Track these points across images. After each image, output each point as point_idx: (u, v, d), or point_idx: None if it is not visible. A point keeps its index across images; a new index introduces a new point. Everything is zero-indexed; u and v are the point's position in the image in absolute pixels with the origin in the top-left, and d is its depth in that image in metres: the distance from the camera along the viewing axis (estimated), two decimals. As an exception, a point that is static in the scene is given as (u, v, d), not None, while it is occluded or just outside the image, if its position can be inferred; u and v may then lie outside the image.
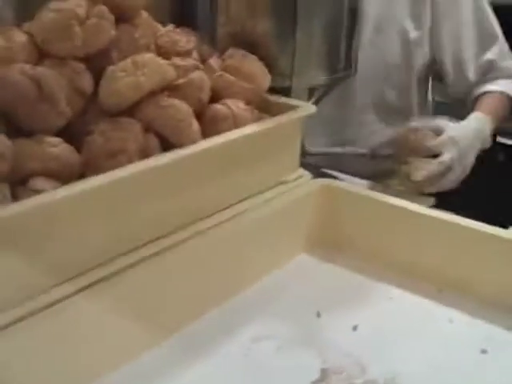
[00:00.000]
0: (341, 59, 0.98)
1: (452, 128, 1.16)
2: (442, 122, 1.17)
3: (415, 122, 1.20)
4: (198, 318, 0.75)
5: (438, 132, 1.16)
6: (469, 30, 1.33)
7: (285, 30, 0.94)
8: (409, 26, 1.33)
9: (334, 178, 1.04)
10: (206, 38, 0.99)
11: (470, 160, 1.18)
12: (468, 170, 1.18)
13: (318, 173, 1.00)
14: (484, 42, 1.35)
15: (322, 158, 1.14)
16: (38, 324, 0.61)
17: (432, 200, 1.13)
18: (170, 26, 0.94)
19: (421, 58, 1.36)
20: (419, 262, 0.84)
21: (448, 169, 1.13)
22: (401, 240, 0.86)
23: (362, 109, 1.36)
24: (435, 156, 1.13)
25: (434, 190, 1.15)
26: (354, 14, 0.98)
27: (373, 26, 1.30)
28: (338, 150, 1.24)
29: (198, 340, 0.72)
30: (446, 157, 1.13)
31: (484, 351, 0.72)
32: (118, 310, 0.67)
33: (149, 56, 0.77)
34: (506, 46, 1.38)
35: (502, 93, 1.33)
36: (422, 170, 1.10)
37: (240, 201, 0.83)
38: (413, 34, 1.33)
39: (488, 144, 1.24)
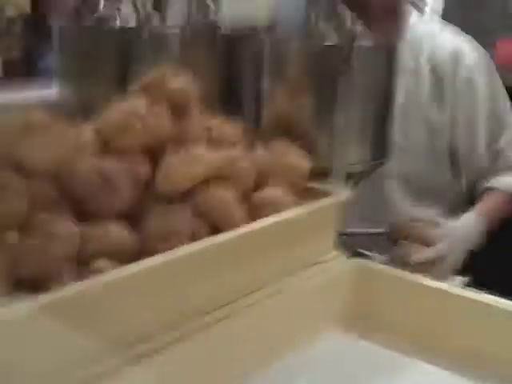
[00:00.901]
0: (378, 146, 1.06)
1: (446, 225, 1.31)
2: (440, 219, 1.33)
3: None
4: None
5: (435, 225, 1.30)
6: (483, 119, 1.41)
7: (325, 118, 1.03)
8: (433, 111, 1.41)
9: (368, 257, 1.11)
10: (251, 125, 1.09)
11: (457, 255, 1.30)
12: (458, 264, 1.31)
13: (353, 252, 1.07)
14: (495, 131, 1.42)
15: (357, 238, 1.22)
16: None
17: (465, 279, 1.19)
18: (218, 117, 1.04)
19: (444, 141, 1.44)
20: (451, 341, 0.88)
21: (441, 258, 1.25)
22: (433, 320, 0.91)
23: (389, 190, 1.44)
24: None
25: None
26: (389, 104, 1.06)
27: (400, 112, 1.38)
28: (368, 230, 1.32)
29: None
30: (441, 246, 1.26)
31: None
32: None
33: (202, 149, 0.87)
34: None
35: (504, 191, 1.42)
36: (421, 253, 1.21)
37: (278, 280, 0.91)
38: (436, 119, 1.41)
39: (477, 241, 1.35)
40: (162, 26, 1.29)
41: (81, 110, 1.50)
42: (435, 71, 1.42)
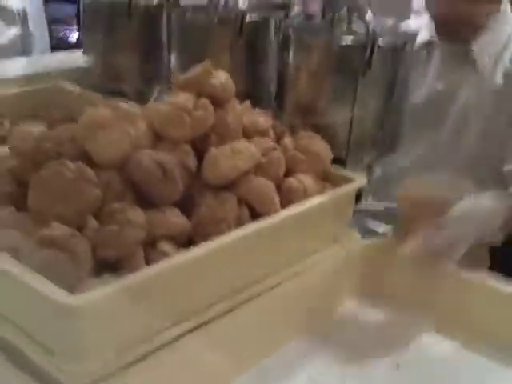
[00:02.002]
0: (390, 138, 1.18)
1: (461, 206, 1.09)
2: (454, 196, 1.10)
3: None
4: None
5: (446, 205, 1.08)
6: None
7: (344, 111, 1.14)
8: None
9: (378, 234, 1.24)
10: (277, 115, 1.20)
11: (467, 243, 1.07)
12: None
13: (364, 229, 1.20)
14: None
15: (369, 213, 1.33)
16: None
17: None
18: (247, 103, 1.15)
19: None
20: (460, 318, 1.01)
21: (452, 247, 1.05)
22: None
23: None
24: None
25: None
26: (402, 99, 1.18)
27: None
28: (379, 205, 1.41)
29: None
30: (451, 232, 1.06)
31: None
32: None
33: (244, 144, 0.98)
34: None
35: None
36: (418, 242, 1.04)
37: (305, 257, 1.03)
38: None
39: (495, 233, 1.13)
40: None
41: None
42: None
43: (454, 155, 1.44)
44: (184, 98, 0.99)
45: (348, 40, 1.12)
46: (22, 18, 2.40)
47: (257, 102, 1.16)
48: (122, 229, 0.82)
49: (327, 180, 1.10)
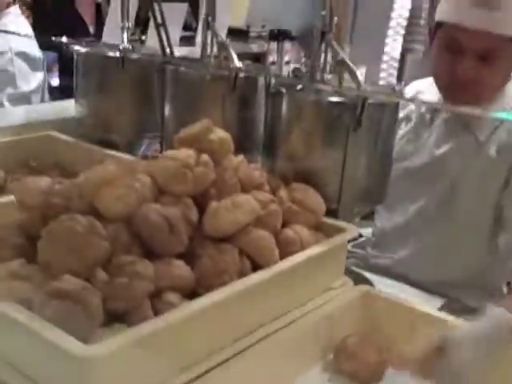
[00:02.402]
0: (379, 190, 1.24)
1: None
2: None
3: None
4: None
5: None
6: None
7: (335, 165, 1.20)
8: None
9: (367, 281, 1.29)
10: (268, 167, 1.25)
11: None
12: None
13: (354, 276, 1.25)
14: None
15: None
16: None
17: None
18: (240, 157, 1.20)
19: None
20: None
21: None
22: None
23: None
24: None
25: None
26: (390, 153, 1.25)
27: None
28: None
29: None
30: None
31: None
32: None
33: (244, 197, 1.03)
34: None
35: None
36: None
37: (302, 305, 1.08)
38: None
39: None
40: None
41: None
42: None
43: (451, 210, 1.51)
44: (186, 155, 1.04)
45: (338, 98, 1.19)
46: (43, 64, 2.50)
47: (246, 154, 1.21)
48: (132, 281, 0.86)
49: (320, 230, 1.15)
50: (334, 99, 1.19)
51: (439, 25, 1.48)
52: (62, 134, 1.80)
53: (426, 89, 1.59)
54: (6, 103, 2.36)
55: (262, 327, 1.00)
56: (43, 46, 2.78)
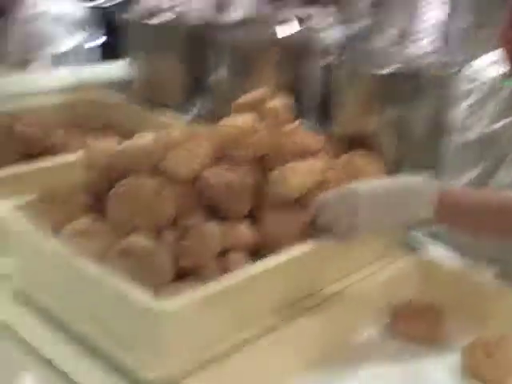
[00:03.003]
0: (432, 163, 1.25)
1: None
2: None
3: None
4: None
5: None
6: None
7: (392, 133, 1.20)
8: None
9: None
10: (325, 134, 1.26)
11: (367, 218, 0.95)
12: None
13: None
14: None
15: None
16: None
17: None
18: (297, 123, 1.21)
19: None
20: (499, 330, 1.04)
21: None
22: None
23: None
24: None
25: None
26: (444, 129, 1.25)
27: None
28: None
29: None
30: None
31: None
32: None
33: (309, 162, 1.04)
34: None
35: None
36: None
37: (363, 266, 1.10)
38: None
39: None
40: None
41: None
42: None
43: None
44: (246, 120, 1.06)
45: (397, 68, 1.19)
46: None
47: (301, 120, 1.22)
48: (201, 242, 0.89)
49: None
50: (393, 69, 1.19)
51: None
52: (112, 95, 1.83)
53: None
54: (48, 63, 2.36)
55: (323, 289, 1.02)
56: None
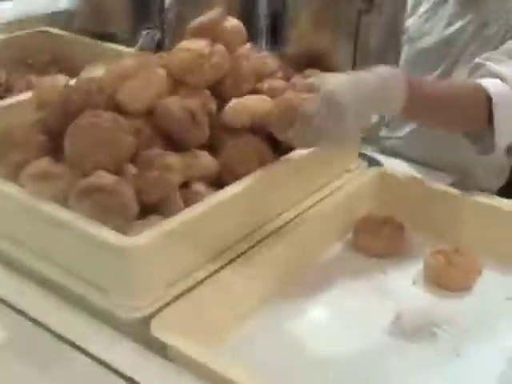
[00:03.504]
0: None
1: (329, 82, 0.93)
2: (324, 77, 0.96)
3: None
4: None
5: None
6: None
7: (347, 50, 1.20)
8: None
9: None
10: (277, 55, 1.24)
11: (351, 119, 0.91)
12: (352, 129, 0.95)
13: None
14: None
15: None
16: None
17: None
18: (248, 45, 1.19)
19: None
20: (458, 237, 1.09)
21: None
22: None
23: None
24: None
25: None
26: (400, 35, 1.24)
27: None
28: None
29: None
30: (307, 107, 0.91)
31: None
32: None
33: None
34: None
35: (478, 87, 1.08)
36: None
37: (322, 187, 1.11)
38: None
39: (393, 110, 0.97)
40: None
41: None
42: None
43: None
44: (200, 45, 1.03)
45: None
46: None
47: (251, 42, 1.20)
48: (163, 174, 0.88)
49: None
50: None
51: None
52: (56, 28, 1.76)
53: None
54: None
55: (285, 212, 1.03)
56: None
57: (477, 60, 1.18)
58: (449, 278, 1.02)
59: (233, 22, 1.09)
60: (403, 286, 1.03)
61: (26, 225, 0.91)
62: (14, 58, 1.70)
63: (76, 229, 0.83)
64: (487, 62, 1.14)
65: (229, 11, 1.18)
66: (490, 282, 1.04)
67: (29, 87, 1.39)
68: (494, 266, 1.06)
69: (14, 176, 0.92)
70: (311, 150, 1.03)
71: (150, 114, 0.97)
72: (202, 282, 0.89)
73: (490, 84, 1.07)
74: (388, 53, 1.23)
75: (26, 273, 0.93)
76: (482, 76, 1.11)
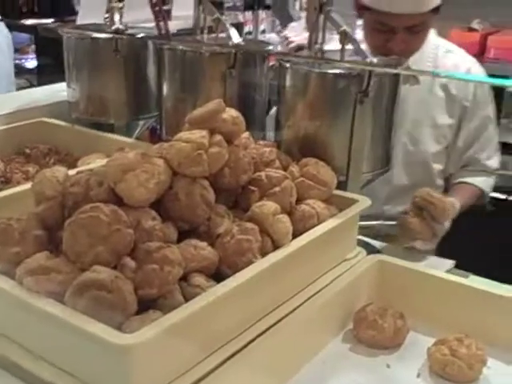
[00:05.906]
0: (384, 158, 1.26)
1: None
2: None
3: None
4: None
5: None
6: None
7: (342, 138, 1.21)
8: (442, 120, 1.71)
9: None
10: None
11: None
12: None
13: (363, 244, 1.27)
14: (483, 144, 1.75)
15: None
16: None
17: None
18: (247, 134, 1.20)
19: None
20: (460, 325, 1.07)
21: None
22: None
23: None
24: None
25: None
26: (393, 121, 1.26)
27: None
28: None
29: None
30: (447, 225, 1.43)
31: None
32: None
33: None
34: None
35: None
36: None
37: (320, 276, 1.10)
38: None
39: None
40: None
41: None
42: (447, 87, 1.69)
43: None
44: (199, 136, 1.04)
45: (344, 70, 1.19)
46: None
47: (250, 131, 1.21)
48: (163, 267, 0.86)
49: (331, 202, 1.16)
50: (340, 71, 1.19)
51: (367, 8, 1.59)
52: (54, 119, 1.78)
53: None
54: None
55: (285, 303, 1.01)
56: (14, 27, 2.72)
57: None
58: (454, 370, 1.00)
59: (232, 113, 1.10)
60: (408, 378, 1.01)
61: (22, 322, 0.88)
62: (13, 148, 1.71)
63: (72, 326, 0.80)
64: None
65: (228, 103, 1.21)
66: (496, 373, 1.01)
67: (27, 178, 1.40)
68: (498, 354, 1.03)
69: (10, 270, 0.91)
70: (313, 239, 1.03)
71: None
72: (202, 378, 0.86)
73: None
74: (383, 139, 1.24)
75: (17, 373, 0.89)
76: None
